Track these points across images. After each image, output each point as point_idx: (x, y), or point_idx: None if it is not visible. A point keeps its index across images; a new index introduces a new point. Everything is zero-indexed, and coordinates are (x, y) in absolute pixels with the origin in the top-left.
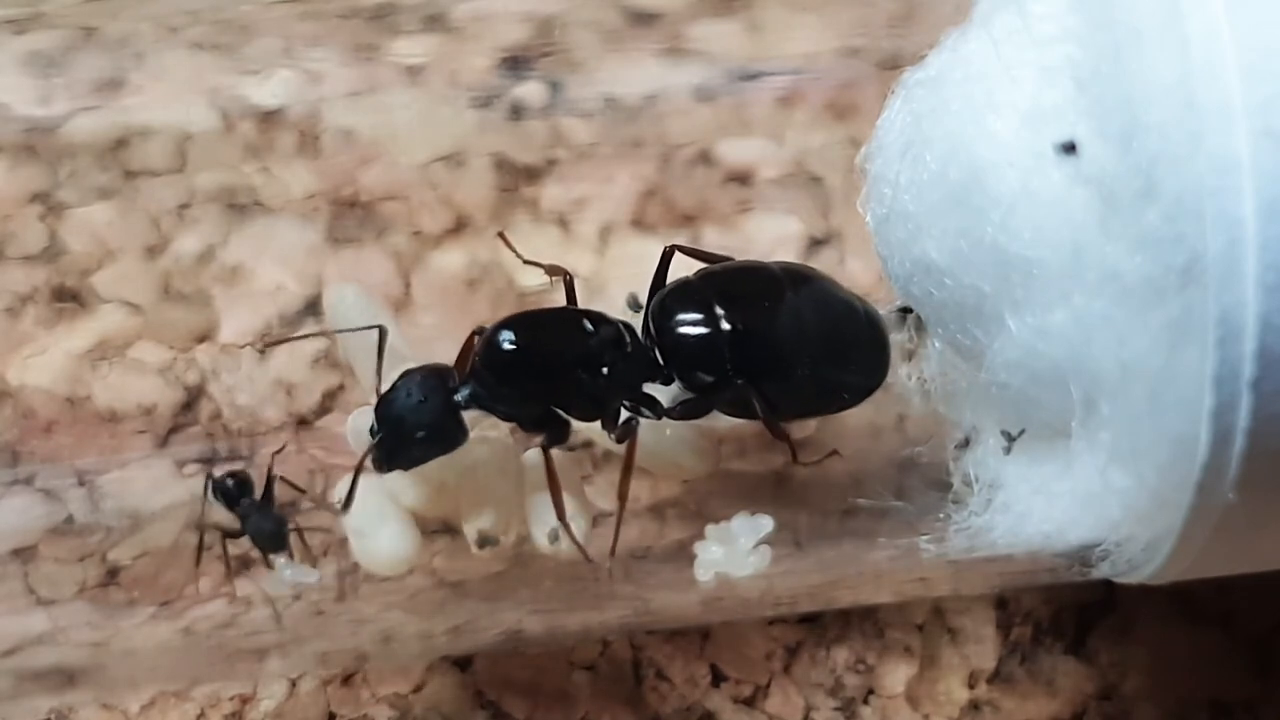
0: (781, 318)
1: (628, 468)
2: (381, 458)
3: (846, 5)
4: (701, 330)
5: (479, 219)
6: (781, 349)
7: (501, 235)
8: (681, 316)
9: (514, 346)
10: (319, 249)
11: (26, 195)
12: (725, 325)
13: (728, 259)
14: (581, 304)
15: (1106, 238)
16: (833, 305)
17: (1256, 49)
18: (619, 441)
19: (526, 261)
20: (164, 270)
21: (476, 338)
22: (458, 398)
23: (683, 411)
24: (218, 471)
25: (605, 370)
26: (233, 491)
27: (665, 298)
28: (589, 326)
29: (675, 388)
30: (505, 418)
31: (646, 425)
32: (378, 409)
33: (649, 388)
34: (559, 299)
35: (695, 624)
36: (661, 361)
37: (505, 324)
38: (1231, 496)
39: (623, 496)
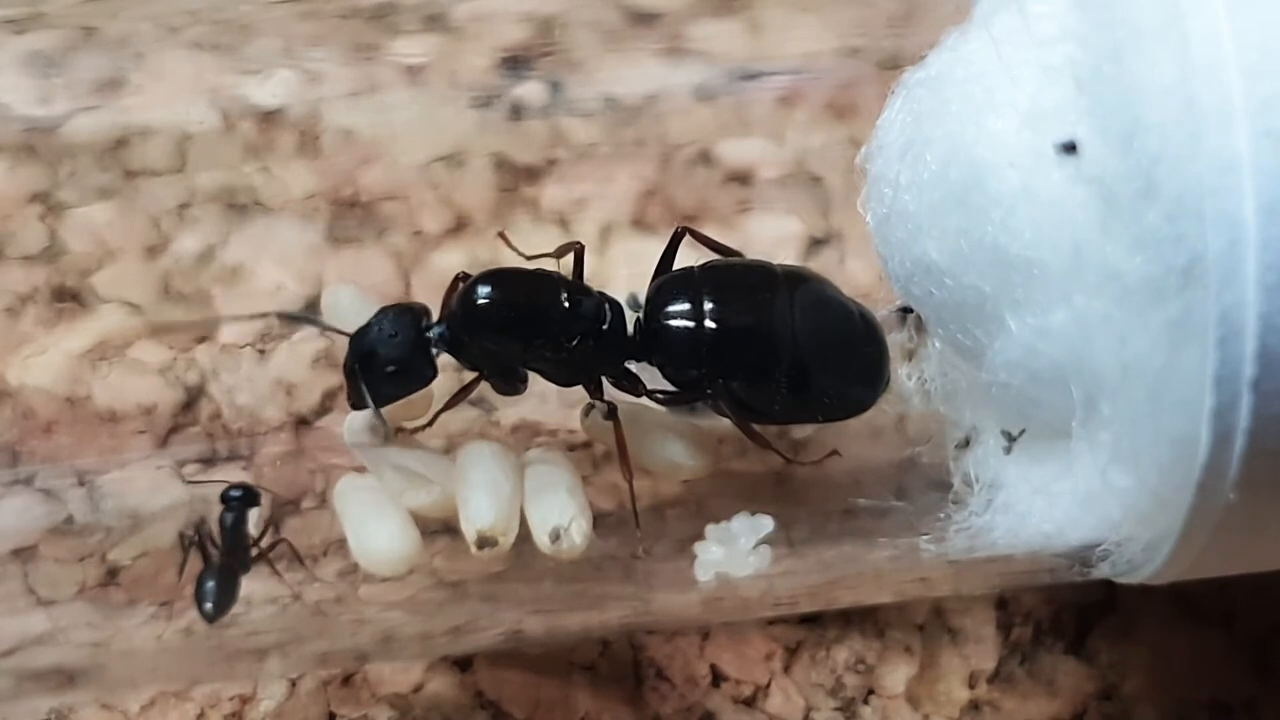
0: (770, 324)
1: (621, 449)
2: (353, 395)
3: (846, 5)
4: (685, 324)
5: (479, 219)
6: (763, 355)
7: (502, 235)
8: (671, 307)
9: (486, 301)
10: (319, 249)
11: (26, 195)
12: (709, 324)
13: (735, 252)
14: None
15: (1107, 238)
16: (829, 316)
17: (1257, 48)
18: (605, 419)
19: (531, 258)
20: (164, 270)
21: (461, 283)
22: (430, 334)
23: (665, 399)
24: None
25: (575, 341)
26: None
27: (662, 284)
28: (566, 296)
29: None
30: (470, 366)
31: (647, 425)
32: (352, 342)
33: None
34: None
35: (695, 624)
36: (642, 344)
37: (484, 277)
38: (1232, 497)
39: (627, 476)
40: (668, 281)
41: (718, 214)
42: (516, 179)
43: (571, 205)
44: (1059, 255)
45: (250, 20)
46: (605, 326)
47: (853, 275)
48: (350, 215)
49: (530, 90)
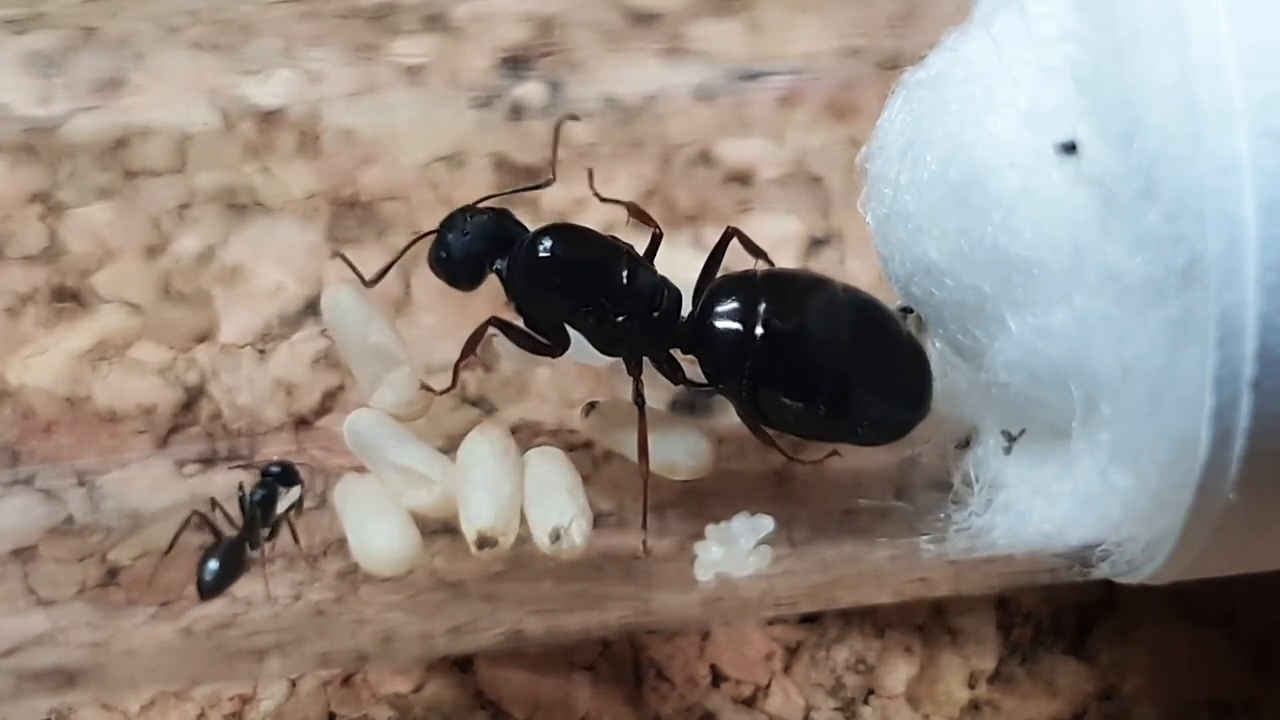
0: (822, 343)
1: (642, 443)
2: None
3: (846, 5)
4: (736, 327)
5: None
6: (809, 373)
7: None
8: (726, 308)
9: (546, 253)
10: (319, 249)
11: (26, 195)
12: (760, 332)
13: (764, 253)
14: None
15: (1107, 238)
16: (881, 344)
17: (1257, 48)
18: (634, 403)
19: (604, 199)
20: (164, 270)
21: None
22: (495, 263)
23: (694, 393)
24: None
25: (622, 318)
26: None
27: (721, 284)
28: (626, 271)
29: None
30: (516, 309)
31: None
32: (456, 211)
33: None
34: None
35: (695, 624)
36: (690, 337)
37: (552, 229)
38: (1232, 497)
39: (644, 470)
40: (727, 282)
41: (718, 214)
42: (516, 179)
43: (571, 205)
44: (1059, 255)
45: (250, 20)
46: (657, 312)
47: (853, 275)
48: (350, 215)
49: (530, 90)
